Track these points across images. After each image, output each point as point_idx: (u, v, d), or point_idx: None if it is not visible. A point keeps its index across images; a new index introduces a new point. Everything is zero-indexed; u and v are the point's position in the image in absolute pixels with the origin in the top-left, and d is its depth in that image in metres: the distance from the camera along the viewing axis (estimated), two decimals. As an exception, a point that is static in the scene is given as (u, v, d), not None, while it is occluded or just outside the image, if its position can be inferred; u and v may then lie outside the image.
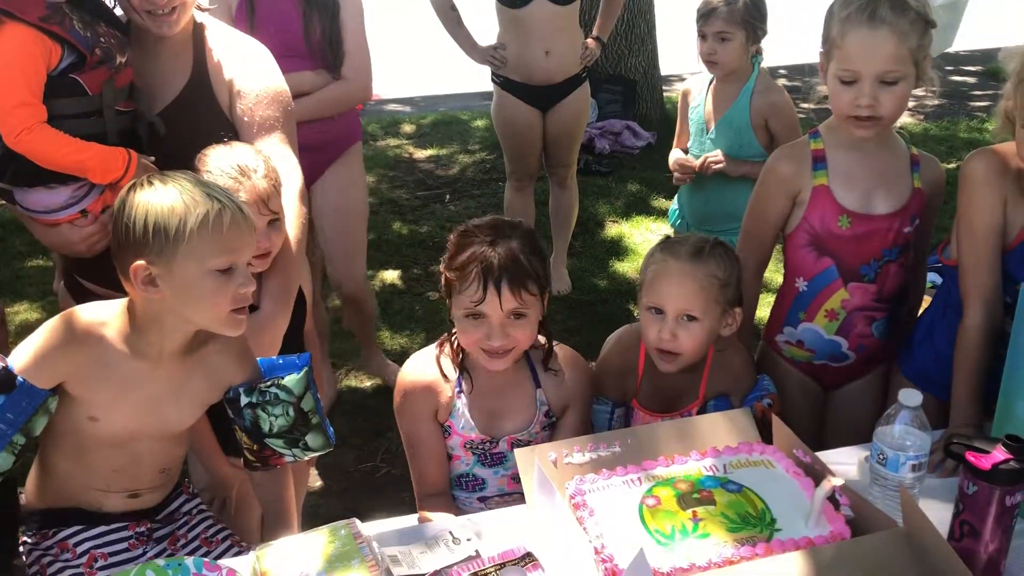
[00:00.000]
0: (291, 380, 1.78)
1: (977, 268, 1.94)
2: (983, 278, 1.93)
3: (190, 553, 1.87)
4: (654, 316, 1.99)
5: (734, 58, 3.09)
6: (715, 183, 3.21)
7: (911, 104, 7.53)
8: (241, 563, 1.60)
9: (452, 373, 1.98)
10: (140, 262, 1.56)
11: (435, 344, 2.04)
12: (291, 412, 1.78)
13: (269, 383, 1.78)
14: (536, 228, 4.56)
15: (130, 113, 2.12)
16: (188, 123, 2.17)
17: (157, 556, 1.83)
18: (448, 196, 5.66)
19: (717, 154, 3.15)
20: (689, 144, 3.34)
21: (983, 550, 1.53)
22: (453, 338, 1.98)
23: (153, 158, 2.12)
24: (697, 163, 3.20)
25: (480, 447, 1.99)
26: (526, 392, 2.00)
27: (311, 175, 3.26)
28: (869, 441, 2.29)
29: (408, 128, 6.92)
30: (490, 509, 1.96)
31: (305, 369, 1.81)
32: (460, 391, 1.97)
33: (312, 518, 3.21)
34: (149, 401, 1.71)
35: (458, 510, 1.98)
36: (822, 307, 2.19)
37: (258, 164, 2.01)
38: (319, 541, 1.58)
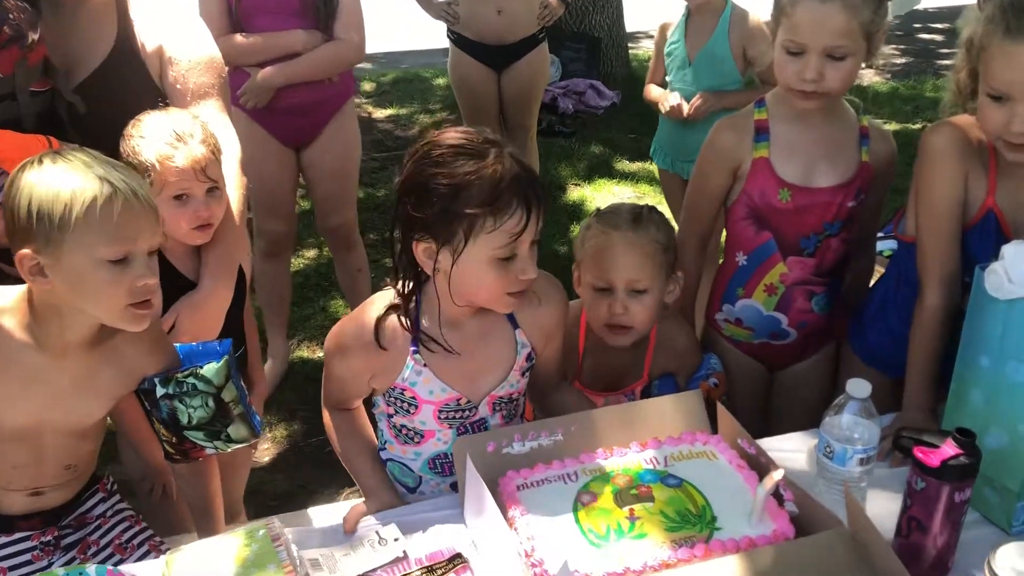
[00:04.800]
0: (210, 370, 1.68)
1: (936, 247, 1.86)
2: (942, 257, 1.86)
3: (103, 562, 1.76)
4: (599, 293, 1.91)
5: None
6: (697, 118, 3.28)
7: (879, 62, 7.43)
8: (150, 569, 1.50)
9: (402, 339, 1.65)
10: (26, 250, 1.43)
11: (374, 305, 1.68)
12: (211, 403, 1.68)
13: (187, 373, 1.67)
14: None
15: (46, 93, 1.96)
16: (114, 96, 2.02)
17: (65, 566, 1.71)
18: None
19: (699, 100, 3.21)
20: (669, 78, 3.38)
21: (931, 546, 1.47)
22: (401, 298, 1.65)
23: (76, 145, 1.97)
24: (685, 112, 3.25)
25: (457, 415, 1.72)
26: (503, 337, 1.71)
27: (305, 138, 3.21)
28: (817, 425, 2.26)
29: (368, 86, 6.73)
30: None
31: (225, 357, 1.70)
32: (416, 352, 1.65)
33: (259, 495, 3.14)
34: (53, 395, 1.60)
35: (373, 447, 1.83)
36: (761, 282, 2.12)
37: (195, 129, 1.90)
38: (233, 544, 1.48)
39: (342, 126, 3.25)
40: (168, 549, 1.80)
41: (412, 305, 1.65)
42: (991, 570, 1.32)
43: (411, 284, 1.64)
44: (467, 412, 1.72)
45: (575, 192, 5.09)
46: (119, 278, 1.47)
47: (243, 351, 2.20)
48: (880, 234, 2.81)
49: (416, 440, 1.77)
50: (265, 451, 3.33)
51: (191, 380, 1.66)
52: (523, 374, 1.77)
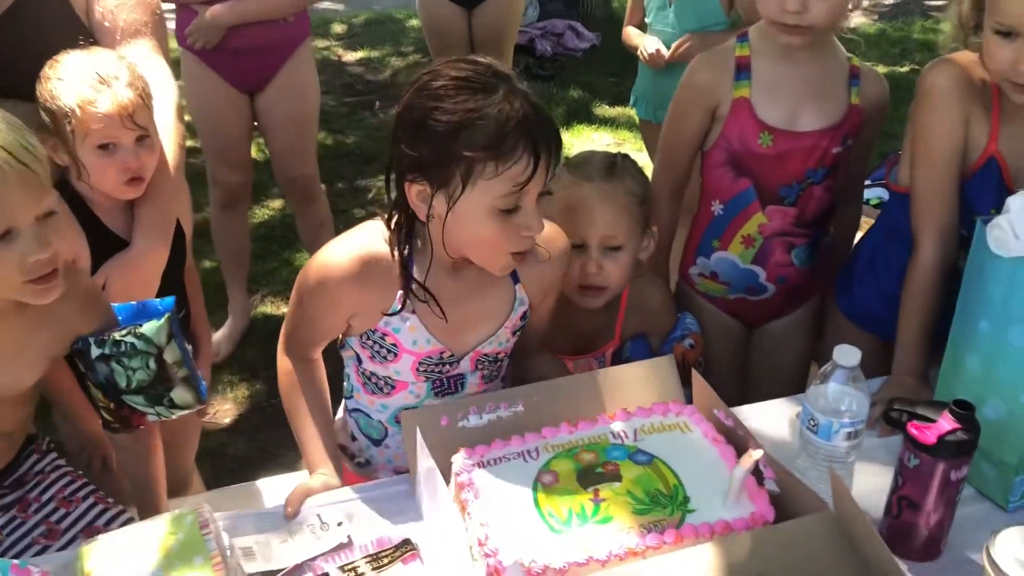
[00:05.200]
0: (150, 328, 1.54)
1: (933, 196, 1.71)
2: (939, 208, 1.71)
3: (45, 517, 1.64)
4: (572, 250, 1.75)
5: None
6: (680, 62, 3.04)
7: (865, 3, 7.21)
8: (62, 560, 1.36)
9: (392, 278, 1.48)
10: None
11: (363, 234, 1.50)
12: (151, 365, 1.54)
13: (125, 332, 1.53)
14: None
15: None
16: (30, 35, 1.82)
17: (4, 527, 1.61)
18: (378, 103, 5.31)
19: (682, 42, 3.00)
20: (649, 20, 3.18)
21: (923, 526, 1.35)
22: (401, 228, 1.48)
23: None
24: (667, 55, 3.05)
25: (437, 368, 1.57)
26: (501, 292, 1.54)
27: (258, 80, 3.02)
28: (800, 387, 2.13)
29: (339, 28, 6.47)
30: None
31: (167, 315, 1.56)
32: (407, 299, 1.48)
33: (219, 458, 3.01)
34: None
35: (328, 411, 1.65)
36: (738, 232, 1.97)
37: (121, 71, 1.71)
38: (158, 533, 1.33)
39: (297, 70, 3.05)
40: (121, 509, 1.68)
41: (406, 248, 1.48)
42: (990, 558, 1.19)
43: (404, 226, 1.47)
44: (447, 366, 1.58)
45: (552, 138, 4.90)
46: (4, 257, 1.30)
47: (186, 312, 2.04)
48: (868, 182, 2.66)
49: (386, 391, 1.62)
50: (226, 412, 3.20)
51: (130, 339, 1.53)
52: (514, 333, 1.61)
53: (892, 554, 1.15)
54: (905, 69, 5.71)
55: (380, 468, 1.73)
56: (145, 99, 1.74)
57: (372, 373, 1.61)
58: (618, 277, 1.78)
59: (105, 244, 1.82)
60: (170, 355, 1.56)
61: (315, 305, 1.55)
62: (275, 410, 3.16)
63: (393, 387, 1.61)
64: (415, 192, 1.40)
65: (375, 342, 1.55)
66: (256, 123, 3.15)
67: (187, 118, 3.09)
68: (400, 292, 1.49)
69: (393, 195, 1.46)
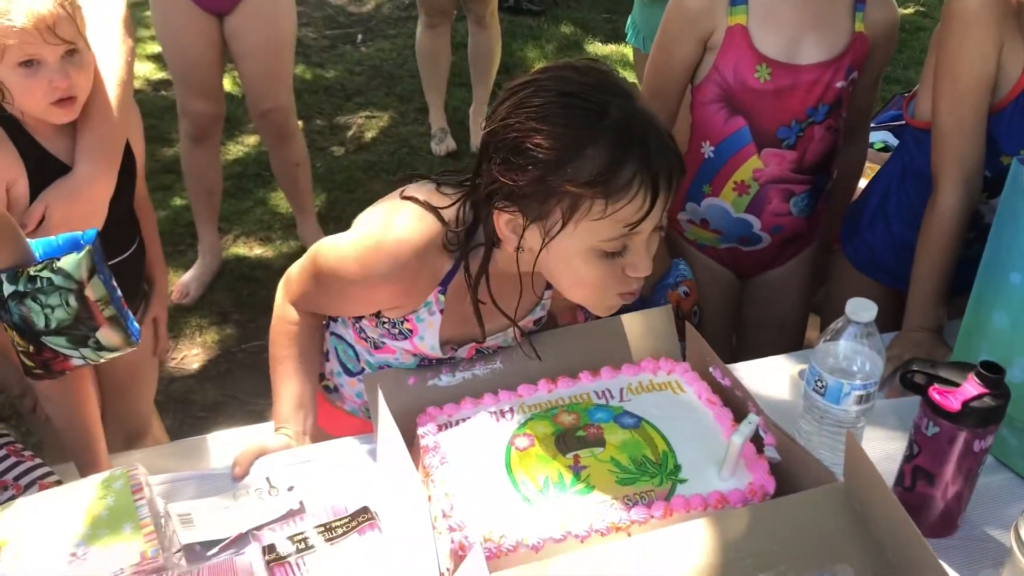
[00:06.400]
0: (69, 262, 1.37)
1: (959, 133, 1.55)
2: (963, 145, 1.54)
3: None
4: None
5: None
6: None
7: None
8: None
9: (437, 272, 1.32)
10: None
11: (413, 220, 1.29)
12: (72, 302, 1.38)
13: (41, 267, 1.37)
14: (455, 75, 4.15)
15: None
16: None
17: None
18: (360, 36, 5.07)
19: None
20: None
21: (939, 499, 1.21)
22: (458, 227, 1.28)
23: None
24: None
25: (426, 360, 1.44)
26: (524, 299, 1.32)
27: (227, 3, 2.80)
28: (798, 342, 1.98)
29: (321, -43, 6.18)
30: None
31: (88, 248, 1.39)
32: (441, 293, 1.33)
33: (187, 404, 2.87)
34: None
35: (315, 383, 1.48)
36: (731, 178, 1.80)
37: None
38: (84, 498, 1.19)
39: None
40: (54, 477, 1.53)
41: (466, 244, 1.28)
42: (1019, 538, 1.06)
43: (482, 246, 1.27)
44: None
45: (542, 76, 4.70)
46: None
47: (138, 246, 1.88)
48: (872, 124, 2.49)
49: (381, 347, 1.44)
50: (195, 357, 3.06)
51: (46, 274, 1.36)
52: (523, 335, 1.44)
53: (918, 530, 1.01)
54: (910, 11, 5.49)
55: (347, 399, 1.57)
56: (70, 9, 1.55)
57: (368, 335, 1.45)
58: None
59: (47, 171, 1.65)
60: (93, 291, 1.40)
61: (349, 292, 1.36)
62: (246, 355, 3.04)
63: (381, 348, 1.45)
64: (504, 221, 1.20)
65: (391, 321, 1.38)
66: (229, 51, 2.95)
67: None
68: (438, 289, 1.32)
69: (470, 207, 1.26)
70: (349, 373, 1.55)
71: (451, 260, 1.30)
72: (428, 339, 1.38)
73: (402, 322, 1.37)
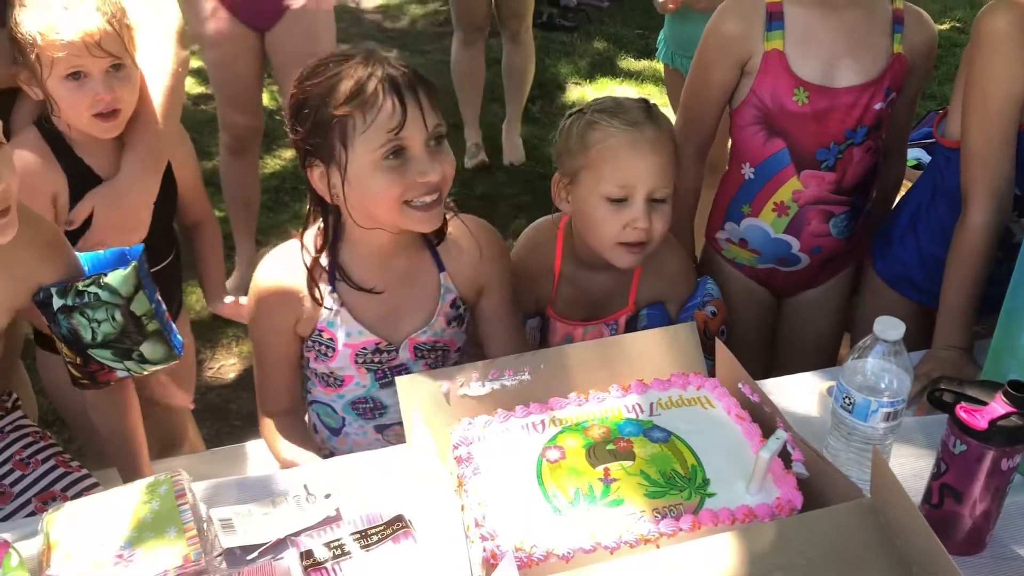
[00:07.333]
0: (115, 277, 1.44)
1: (988, 151, 1.56)
2: (993, 164, 1.56)
3: (1, 478, 1.55)
4: (615, 205, 1.59)
5: None
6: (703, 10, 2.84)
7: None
8: (25, 529, 1.26)
9: (322, 271, 1.52)
10: None
11: (297, 235, 1.54)
12: (118, 316, 1.45)
13: (88, 282, 1.43)
14: (488, 90, 4.20)
15: None
16: None
17: None
18: (395, 52, 5.14)
19: None
20: None
21: (967, 517, 1.22)
22: (318, 225, 1.52)
23: None
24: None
25: (376, 359, 1.56)
26: (427, 280, 1.56)
27: (271, 16, 2.86)
28: (831, 360, 1.99)
29: (357, -26, 6.28)
30: (387, 443, 1.60)
31: (134, 264, 1.46)
32: (334, 291, 1.52)
33: (222, 414, 2.93)
34: None
35: (316, 446, 1.61)
36: (770, 199, 1.81)
37: None
38: (130, 501, 1.24)
39: (311, 6, 2.90)
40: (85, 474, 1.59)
41: (330, 240, 1.50)
42: (1045, 558, 1.07)
43: (320, 218, 1.50)
44: (386, 355, 1.56)
45: (575, 91, 4.73)
46: None
47: (170, 263, 1.94)
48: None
49: (337, 384, 1.61)
50: (231, 367, 3.11)
51: (93, 289, 1.43)
52: (450, 323, 1.59)
53: (944, 548, 1.02)
54: (946, 27, 5.47)
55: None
56: (117, 25, 1.61)
57: (317, 371, 1.61)
58: (661, 232, 1.62)
59: (87, 186, 1.72)
60: (138, 306, 1.47)
61: (264, 341, 1.58)
62: (281, 366, 3.09)
63: (342, 381, 1.59)
64: (316, 176, 1.43)
65: (315, 340, 1.56)
66: (270, 67, 3.02)
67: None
68: (329, 287, 1.51)
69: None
70: (335, 432, 1.66)
71: (325, 269, 1.51)
72: (351, 331, 1.53)
73: (320, 334, 1.54)
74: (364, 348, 1.54)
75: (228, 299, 2.13)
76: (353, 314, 1.52)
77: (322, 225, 1.50)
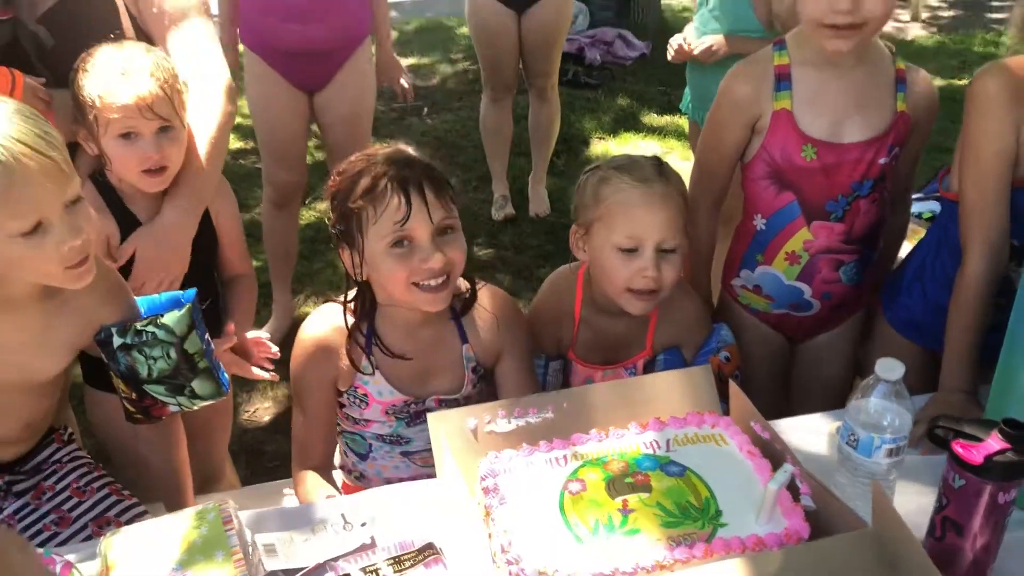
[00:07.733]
0: (171, 318, 1.55)
1: (982, 205, 1.65)
2: (989, 217, 1.64)
3: (57, 505, 1.65)
4: (625, 255, 1.70)
5: None
6: (716, 62, 2.99)
7: (924, 15, 7.05)
8: (86, 550, 1.36)
9: (360, 337, 1.67)
10: None
11: (337, 300, 1.71)
12: (172, 354, 1.56)
13: (146, 322, 1.55)
14: (515, 144, 4.34)
15: (9, 22, 1.80)
16: (81, 26, 1.85)
17: (17, 513, 1.63)
18: (426, 109, 5.32)
19: (704, 43, 2.95)
20: (695, 20, 3.12)
21: (968, 550, 1.29)
22: (354, 297, 1.68)
23: (44, 80, 1.81)
24: (695, 52, 2.99)
25: (404, 410, 1.71)
26: (452, 349, 1.71)
27: (319, 80, 3.04)
28: (843, 402, 2.06)
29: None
30: (412, 464, 1.73)
31: (188, 306, 1.57)
32: (371, 354, 1.67)
33: (257, 456, 3.02)
34: (7, 351, 1.48)
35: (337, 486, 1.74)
36: (782, 248, 1.90)
37: (146, 62, 1.73)
38: (181, 527, 1.33)
39: (356, 68, 3.09)
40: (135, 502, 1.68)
41: (366, 309, 1.68)
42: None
43: (355, 291, 1.67)
44: (414, 406, 1.71)
45: (599, 146, 4.86)
46: (39, 246, 1.34)
47: (210, 305, 2.05)
48: (920, 195, 2.58)
49: (363, 424, 1.75)
50: (266, 410, 3.21)
51: (151, 329, 1.54)
52: (474, 385, 1.74)
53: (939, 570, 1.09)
54: (964, 82, 5.56)
55: (372, 480, 1.79)
56: (169, 90, 1.74)
57: (349, 415, 1.75)
58: (671, 281, 1.73)
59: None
60: (191, 345, 1.57)
61: (306, 396, 1.72)
62: (313, 410, 3.19)
63: (368, 422, 1.74)
64: (345, 256, 1.62)
65: (350, 394, 1.71)
66: (314, 122, 3.18)
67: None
68: (366, 351, 1.67)
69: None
70: (362, 457, 1.78)
71: (362, 334, 1.66)
72: (383, 391, 1.68)
73: (355, 390, 1.69)
74: (394, 405, 1.70)
75: (252, 333, 2.21)
76: (386, 376, 1.68)
77: (356, 294, 1.67)
